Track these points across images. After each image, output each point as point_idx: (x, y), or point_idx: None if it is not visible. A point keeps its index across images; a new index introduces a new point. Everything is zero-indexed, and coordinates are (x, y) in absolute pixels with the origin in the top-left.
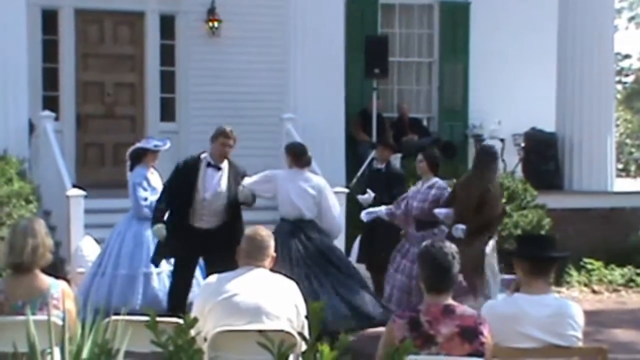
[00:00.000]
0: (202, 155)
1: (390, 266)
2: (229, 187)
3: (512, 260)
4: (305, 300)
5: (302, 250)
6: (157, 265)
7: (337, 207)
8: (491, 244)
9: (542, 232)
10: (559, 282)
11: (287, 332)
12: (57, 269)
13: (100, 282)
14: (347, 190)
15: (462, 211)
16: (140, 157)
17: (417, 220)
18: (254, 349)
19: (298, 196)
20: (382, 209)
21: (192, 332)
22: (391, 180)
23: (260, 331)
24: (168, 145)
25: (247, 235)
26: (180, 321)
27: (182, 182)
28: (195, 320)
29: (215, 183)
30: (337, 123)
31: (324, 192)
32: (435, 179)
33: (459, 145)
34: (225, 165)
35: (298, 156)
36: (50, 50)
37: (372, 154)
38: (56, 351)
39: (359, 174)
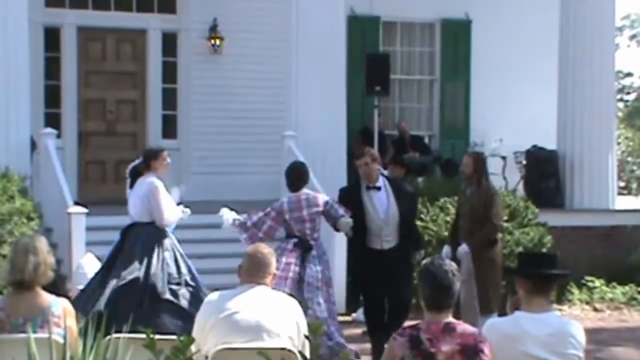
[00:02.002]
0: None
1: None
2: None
3: (514, 278)
4: None
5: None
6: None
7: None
8: None
9: (544, 250)
10: (560, 300)
11: (288, 350)
12: (58, 287)
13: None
14: None
15: None
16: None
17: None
18: None
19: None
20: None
21: (193, 349)
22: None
23: (260, 349)
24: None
25: (248, 253)
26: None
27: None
28: (192, 339)
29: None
30: (338, 140)
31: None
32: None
33: (460, 163)
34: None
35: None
36: (52, 68)
37: None
38: None
39: None
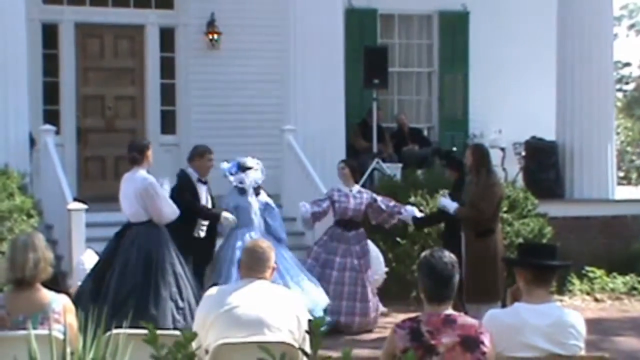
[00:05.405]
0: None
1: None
2: None
3: (514, 269)
4: None
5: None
6: None
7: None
8: None
9: (544, 241)
10: (561, 291)
11: (289, 344)
12: (58, 283)
13: None
14: None
15: None
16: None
17: (349, 221)
18: None
19: (123, 199)
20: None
21: (194, 345)
22: None
23: (261, 343)
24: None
25: (247, 247)
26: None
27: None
28: (195, 334)
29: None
30: (337, 133)
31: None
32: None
33: (459, 155)
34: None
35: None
36: (50, 64)
37: (373, 163)
38: None
39: (360, 184)
